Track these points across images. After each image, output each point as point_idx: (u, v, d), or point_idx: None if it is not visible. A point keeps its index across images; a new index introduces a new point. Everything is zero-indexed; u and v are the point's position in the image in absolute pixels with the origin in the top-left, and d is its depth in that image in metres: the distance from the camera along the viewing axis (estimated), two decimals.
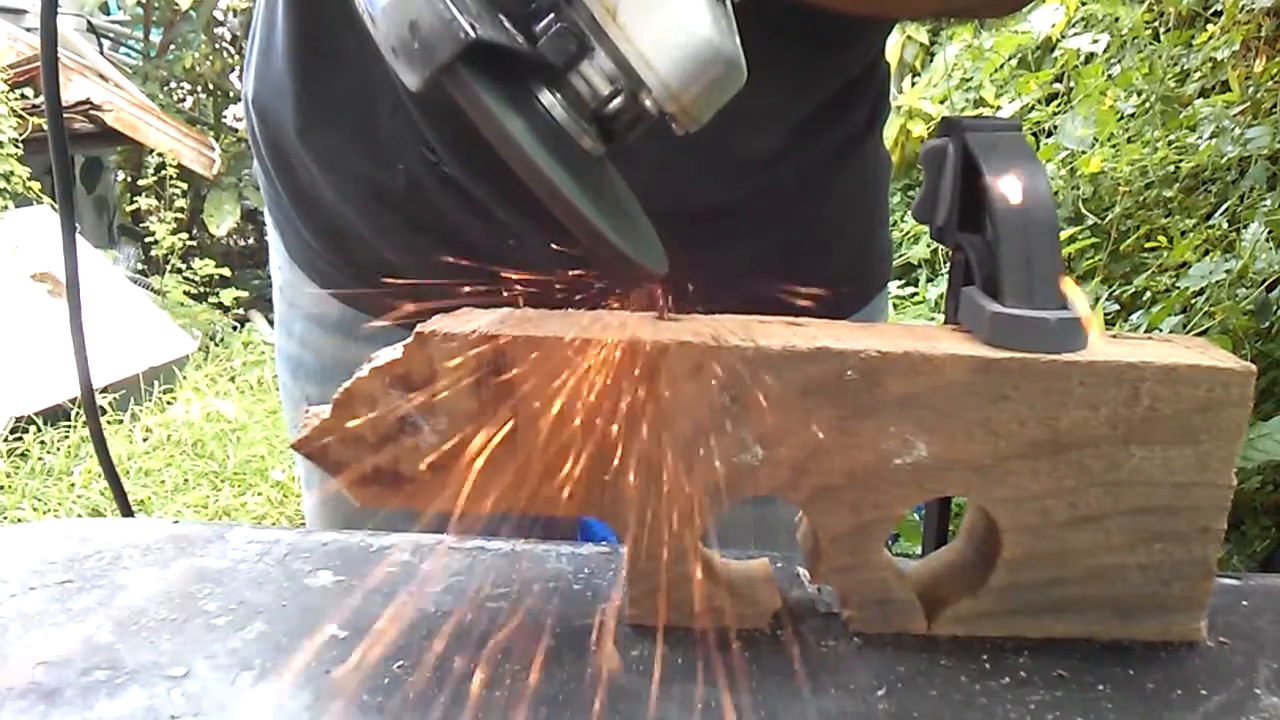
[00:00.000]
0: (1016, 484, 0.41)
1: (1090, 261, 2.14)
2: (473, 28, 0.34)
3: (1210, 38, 2.18)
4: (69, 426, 2.65)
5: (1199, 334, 1.64)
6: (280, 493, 2.54)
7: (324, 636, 0.43)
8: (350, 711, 0.38)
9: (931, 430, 0.41)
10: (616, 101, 0.38)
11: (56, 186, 0.65)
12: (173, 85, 4.88)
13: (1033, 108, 2.55)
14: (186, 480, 2.58)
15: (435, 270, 0.68)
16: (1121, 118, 2.22)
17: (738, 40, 0.38)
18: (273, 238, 0.78)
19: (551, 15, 0.37)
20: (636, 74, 0.37)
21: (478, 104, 0.35)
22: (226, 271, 3.95)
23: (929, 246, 2.80)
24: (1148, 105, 2.17)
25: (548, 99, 0.38)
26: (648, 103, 0.38)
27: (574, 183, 0.37)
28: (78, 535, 0.51)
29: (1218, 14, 2.25)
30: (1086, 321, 0.40)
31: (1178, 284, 1.80)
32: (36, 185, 3.38)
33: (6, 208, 3.20)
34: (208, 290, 3.86)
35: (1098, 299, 1.94)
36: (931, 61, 3.17)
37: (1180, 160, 2.06)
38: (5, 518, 2.30)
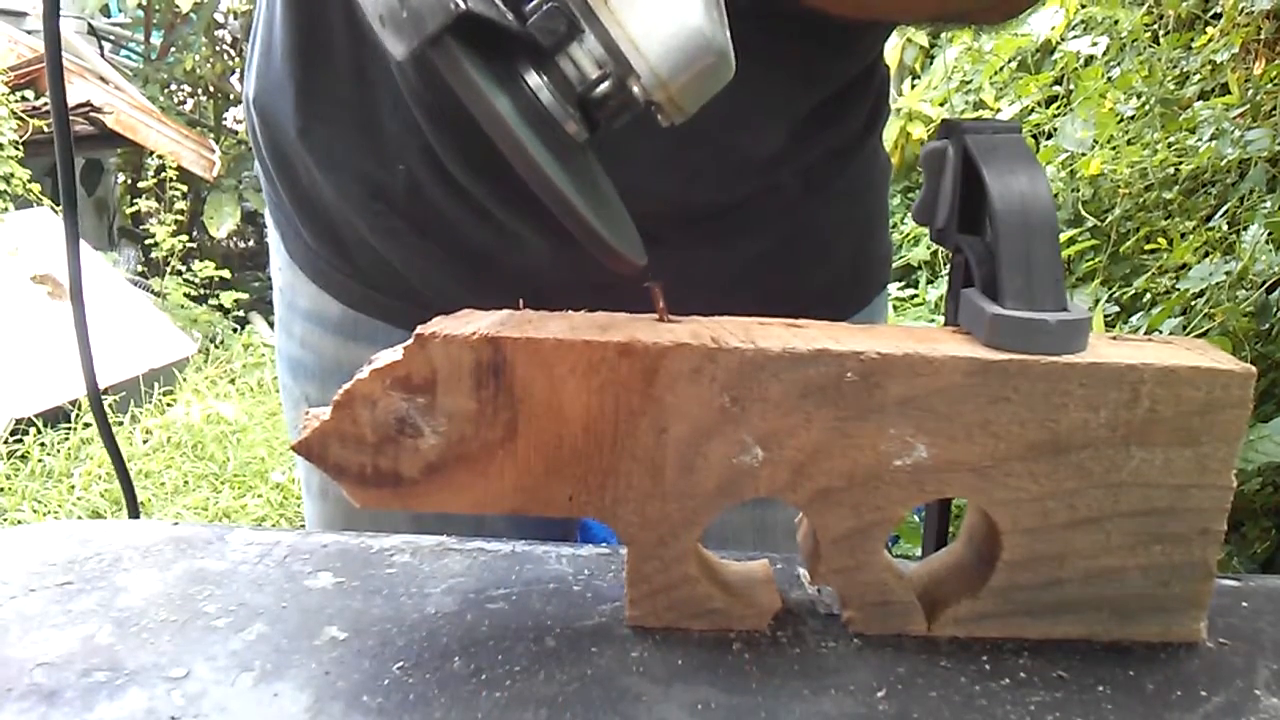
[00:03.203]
0: (1016, 486, 0.42)
1: (1090, 263, 2.14)
2: (464, 0, 0.34)
3: (1210, 40, 2.18)
4: (69, 428, 2.65)
5: (1199, 336, 1.64)
6: (280, 495, 2.55)
7: (324, 638, 0.43)
8: (350, 712, 0.38)
9: (931, 432, 0.41)
10: (604, 87, 0.38)
11: (61, 192, 0.65)
12: (173, 88, 4.89)
13: (1032, 110, 2.56)
14: (186, 482, 2.58)
15: (435, 271, 0.69)
16: (1121, 120, 2.22)
17: (728, 33, 0.38)
18: (273, 238, 0.78)
19: None
20: (626, 59, 0.37)
21: (464, 78, 0.35)
22: (227, 273, 3.95)
23: (929, 248, 2.80)
24: (1147, 108, 2.17)
25: (534, 80, 0.38)
26: (635, 90, 0.38)
27: (557, 165, 0.36)
28: (78, 537, 0.51)
29: (1217, 17, 2.25)
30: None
31: (1178, 286, 1.80)
32: (36, 187, 3.38)
33: (7, 210, 3.20)
34: (208, 292, 3.86)
35: (1098, 301, 1.94)
36: (931, 64, 3.18)
37: (1180, 162, 2.06)
38: (5, 519, 2.30)
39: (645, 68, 0.37)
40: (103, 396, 0.68)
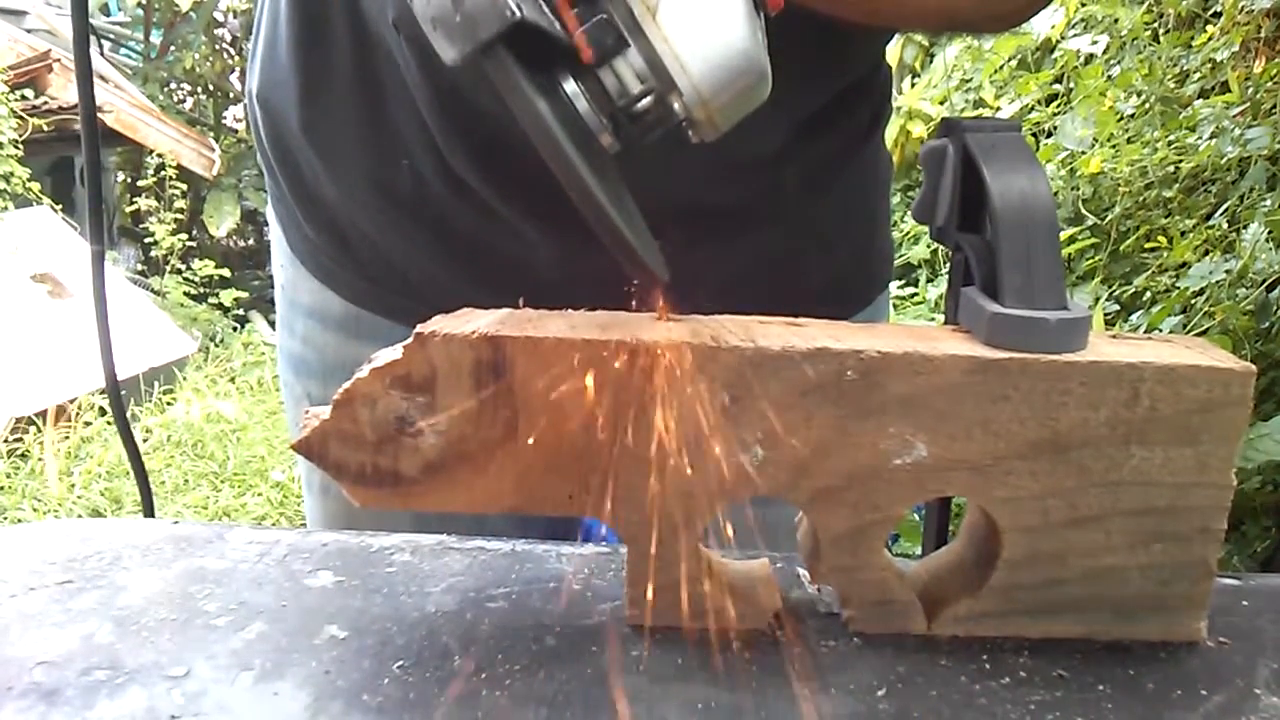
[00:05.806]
0: (1016, 484, 0.42)
1: (1090, 262, 2.14)
2: (519, 8, 0.34)
3: (1210, 39, 2.18)
4: (69, 427, 2.65)
5: (1199, 334, 1.64)
6: (280, 493, 2.54)
7: (324, 637, 0.43)
8: (350, 711, 0.38)
9: (931, 430, 0.41)
10: (644, 102, 0.38)
11: (89, 212, 0.67)
12: (173, 86, 4.88)
13: (1032, 108, 2.55)
14: (186, 481, 2.58)
15: (438, 266, 0.69)
16: (1121, 118, 2.22)
17: (767, 55, 0.38)
18: (274, 234, 0.78)
19: (590, 5, 0.37)
20: (669, 76, 0.37)
21: (515, 86, 0.35)
22: (226, 272, 3.95)
23: (929, 247, 2.80)
24: (1147, 106, 2.17)
25: (571, 89, 0.38)
26: (676, 106, 0.37)
27: (595, 177, 0.37)
28: (78, 535, 0.51)
29: (1217, 15, 2.25)
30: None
31: (1178, 284, 1.80)
32: (36, 186, 3.37)
33: (6, 209, 3.20)
34: (208, 291, 3.86)
35: (1098, 299, 1.94)
36: (931, 62, 3.17)
37: (1180, 161, 2.06)
38: (5, 518, 2.30)
39: (689, 85, 0.37)
40: (102, 395, 0.68)
